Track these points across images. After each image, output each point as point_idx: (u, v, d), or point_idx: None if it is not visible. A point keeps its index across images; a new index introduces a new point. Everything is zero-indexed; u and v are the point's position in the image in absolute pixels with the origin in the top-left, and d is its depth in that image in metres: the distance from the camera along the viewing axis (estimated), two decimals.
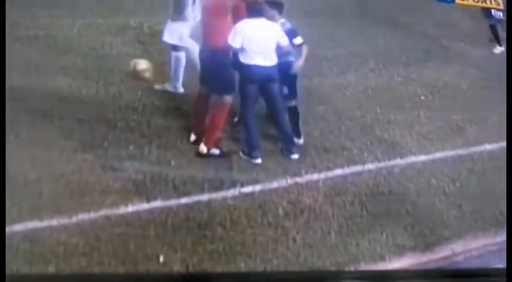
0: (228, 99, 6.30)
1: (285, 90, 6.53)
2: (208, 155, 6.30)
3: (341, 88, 7.69)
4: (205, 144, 6.30)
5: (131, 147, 6.11)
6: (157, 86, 7.22)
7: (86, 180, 5.60)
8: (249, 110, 6.42)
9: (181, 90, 7.29)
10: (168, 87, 7.27)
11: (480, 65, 8.62)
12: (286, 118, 6.53)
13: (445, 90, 8.00)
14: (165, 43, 7.25)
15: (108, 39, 8.04)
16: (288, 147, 6.50)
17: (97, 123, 6.36)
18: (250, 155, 6.37)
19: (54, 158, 5.78)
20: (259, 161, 6.36)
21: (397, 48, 8.27)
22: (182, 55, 7.24)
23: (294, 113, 6.66)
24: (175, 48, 7.23)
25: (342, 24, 9.07)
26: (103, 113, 6.57)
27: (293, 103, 6.64)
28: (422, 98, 7.79)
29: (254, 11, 6.36)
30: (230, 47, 6.29)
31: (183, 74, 7.26)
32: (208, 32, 6.34)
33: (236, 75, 6.41)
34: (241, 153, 6.41)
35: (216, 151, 6.32)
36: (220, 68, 6.30)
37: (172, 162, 6.02)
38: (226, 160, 6.23)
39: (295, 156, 6.47)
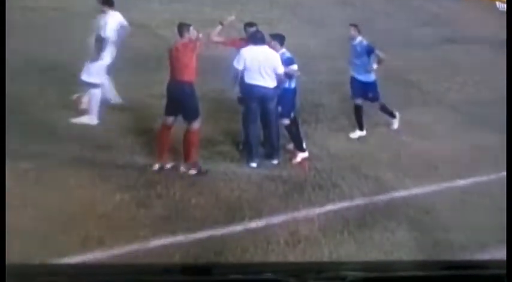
0: (197, 125, 7.25)
1: (279, 109, 7.52)
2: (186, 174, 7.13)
3: (333, 132, 8.43)
4: (185, 165, 7.19)
5: (158, 187, 6.95)
6: (74, 120, 7.92)
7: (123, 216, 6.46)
8: (250, 121, 7.46)
9: (95, 122, 7.91)
10: (85, 120, 7.92)
11: (456, 107, 9.24)
12: (275, 131, 7.57)
13: (424, 131, 8.58)
14: (82, 81, 7.93)
15: None
16: (270, 152, 7.55)
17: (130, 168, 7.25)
18: (248, 159, 7.43)
19: (96, 198, 6.66)
20: (254, 165, 7.39)
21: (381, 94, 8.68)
22: (98, 91, 7.93)
23: (294, 123, 7.68)
24: (91, 85, 7.92)
25: (333, 72, 9.74)
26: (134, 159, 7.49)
27: (292, 116, 7.69)
28: (404, 138, 8.43)
29: (257, 39, 7.48)
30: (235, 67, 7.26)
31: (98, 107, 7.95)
32: (176, 67, 7.19)
33: (199, 105, 7.28)
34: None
35: (193, 171, 7.22)
36: (187, 99, 7.19)
37: (193, 201, 6.85)
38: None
39: (275, 161, 7.52)
